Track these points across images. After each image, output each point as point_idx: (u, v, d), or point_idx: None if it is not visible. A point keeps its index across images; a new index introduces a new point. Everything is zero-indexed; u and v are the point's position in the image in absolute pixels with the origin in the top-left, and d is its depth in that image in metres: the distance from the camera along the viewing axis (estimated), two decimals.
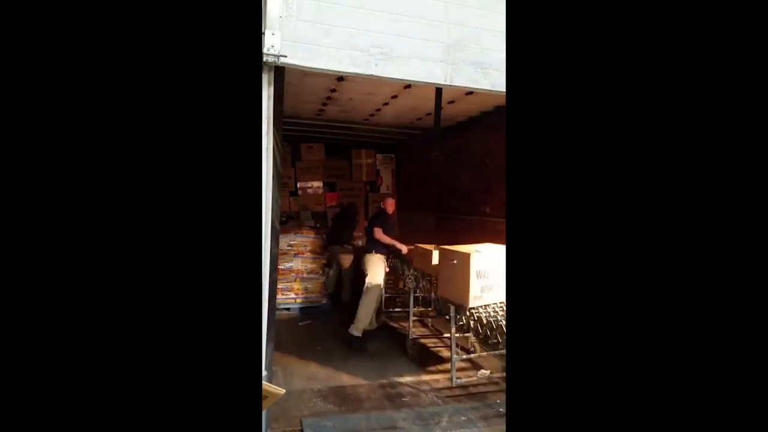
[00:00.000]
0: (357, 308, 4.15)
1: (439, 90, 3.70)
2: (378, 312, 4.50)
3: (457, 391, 3.23)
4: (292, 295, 5.18)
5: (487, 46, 2.45)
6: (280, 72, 2.21)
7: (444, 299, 3.38)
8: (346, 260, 5.63)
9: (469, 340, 3.92)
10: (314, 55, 2.19)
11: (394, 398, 3.17)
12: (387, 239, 4.42)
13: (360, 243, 5.66)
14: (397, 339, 4.37)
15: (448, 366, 3.32)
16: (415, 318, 4.32)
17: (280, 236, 4.67)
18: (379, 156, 7.27)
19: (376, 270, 4.27)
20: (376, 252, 4.39)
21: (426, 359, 3.93)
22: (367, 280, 4.22)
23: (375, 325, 4.43)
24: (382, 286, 4.30)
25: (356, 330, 4.11)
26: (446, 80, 2.43)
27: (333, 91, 4.12)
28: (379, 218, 4.63)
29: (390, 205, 4.75)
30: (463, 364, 3.52)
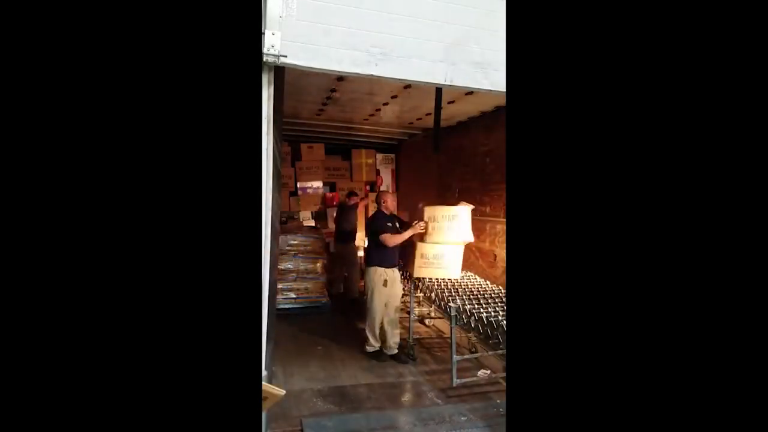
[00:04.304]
0: (366, 330, 3.91)
1: (439, 90, 3.70)
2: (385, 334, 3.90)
3: (457, 391, 3.23)
4: (292, 295, 5.17)
5: (487, 46, 2.44)
6: (280, 72, 2.21)
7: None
8: (355, 258, 5.75)
9: (470, 340, 3.92)
10: (314, 55, 2.19)
11: (394, 398, 3.17)
12: (397, 239, 3.77)
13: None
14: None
15: (448, 366, 3.32)
16: (416, 318, 4.32)
17: (280, 236, 4.68)
18: (379, 156, 7.27)
19: (376, 287, 3.78)
20: (375, 265, 3.79)
21: (426, 359, 3.93)
22: (374, 300, 3.78)
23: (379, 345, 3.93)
24: (383, 306, 3.79)
25: (369, 347, 3.87)
26: (446, 80, 2.43)
27: (333, 91, 4.12)
28: (380, 222, 3.87)
29: (390, 201, 4.02)
30: (463, 364, 3.51)
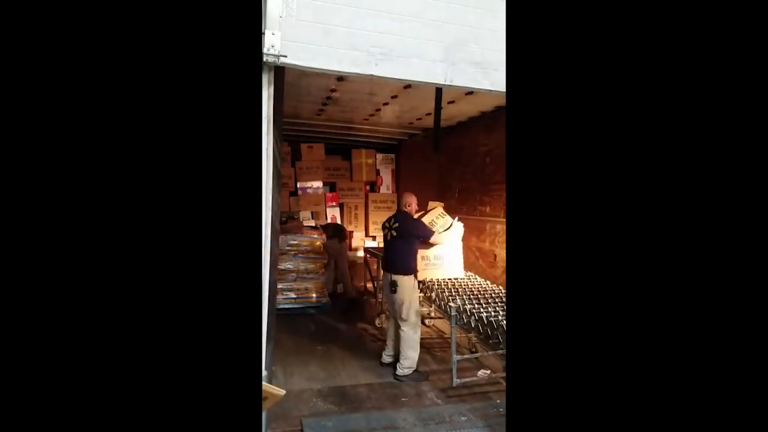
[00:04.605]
0: (402, 348, 3.49)
1: (439, 90, 3.70)
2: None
3: (457, 391, 3.23)
4: (292, 295, 5.17)
5: (487, 46, 2.45)
6: (280, 72, 2.21)
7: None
8: (344, 256, 5.68)
9: (470, 340, 3.91)
10: (314, 55, 2.19)
11: (394, 398, 3.16)
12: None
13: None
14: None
15: (448, 366, 3.32)
16: None
17: (280, 236, 4.67)
18: (379, 156, 7.27)
19: (415, 295, 3.57)
20: (412, 273, 3.56)
21: (426, 359, 3.93)
22: (413, 309, 3.49)
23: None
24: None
25: (404, 369, 3.46)
26: (446, 80, 2.43)
27: (333, 91, 4.12)
28: (423, 224, 3.74)
29: (415, 204, 3.79)
30: (463, 364, 3.51)
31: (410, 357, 3.46)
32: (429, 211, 4.19)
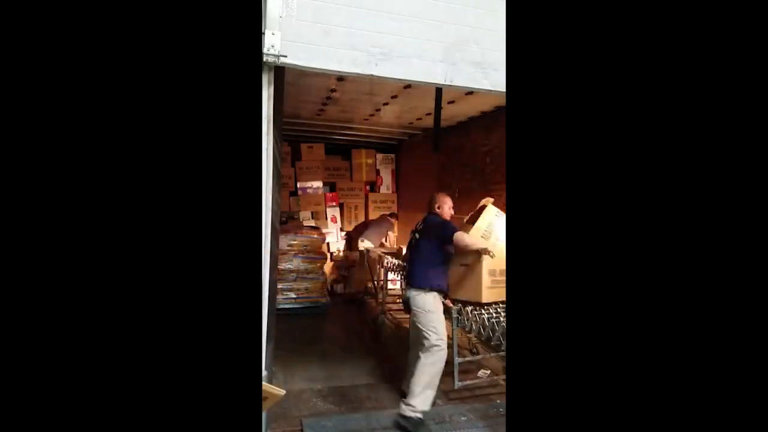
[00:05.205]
0: (412, 381, 2.73)
1: (439, 90, 3.70)
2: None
3: (457, 392, 3.22)
4: (292, 295, 5.17)
5: (487, 46, 2.45)
6: (280, 72, 2.21)
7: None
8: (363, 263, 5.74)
9: (471, 341, 3.91)
10: (314, 55, 2.19)
11: (394, 398, 3.16)
12: (476, 243, 2.89)
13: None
14: (399, 339, 4.36)
15: (448, 368, 3.31)
16: None
17: (280, 236, 4.67)
18: (379, 156, 7.28)
19: (440, 317, 2.80)
20: (434, 289, 2.80)
21: None
22: (433, 336, 2.73)
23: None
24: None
25: (415, 411, 2.64)
26: (446, 80, 2.43)
27: (333, 91, 4.12)
28: (450, 224, 2.94)
29: (447, 208, 3.04)
30: (464, 366, 3.51)
31: (419, 395, 2.65)
32: (481, 210, 3.33)
